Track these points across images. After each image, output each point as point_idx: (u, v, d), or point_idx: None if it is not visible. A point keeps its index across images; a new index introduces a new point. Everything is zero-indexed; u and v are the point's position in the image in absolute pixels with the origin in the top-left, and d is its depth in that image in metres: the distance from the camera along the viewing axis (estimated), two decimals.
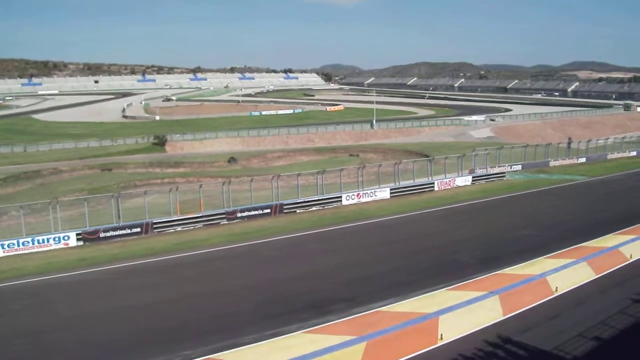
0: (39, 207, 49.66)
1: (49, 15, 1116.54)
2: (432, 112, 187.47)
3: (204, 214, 48.61)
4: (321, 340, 21.56)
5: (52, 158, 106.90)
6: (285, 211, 51.70)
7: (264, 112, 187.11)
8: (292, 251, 39.01)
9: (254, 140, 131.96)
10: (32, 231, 43.29)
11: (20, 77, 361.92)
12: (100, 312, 27.51)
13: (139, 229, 45.54)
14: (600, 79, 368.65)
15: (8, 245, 41.03)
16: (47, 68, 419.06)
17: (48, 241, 42.33)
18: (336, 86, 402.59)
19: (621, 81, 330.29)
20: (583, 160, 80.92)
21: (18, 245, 41.35)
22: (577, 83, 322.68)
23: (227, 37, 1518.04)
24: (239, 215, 49.59)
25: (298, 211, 52.32)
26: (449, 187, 62.28)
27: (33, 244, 41.81)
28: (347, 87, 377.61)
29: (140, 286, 32.11)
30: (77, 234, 43.41)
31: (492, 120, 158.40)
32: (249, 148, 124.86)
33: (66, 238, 42.92)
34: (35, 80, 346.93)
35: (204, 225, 47.84)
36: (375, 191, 57.32)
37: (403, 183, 60.29)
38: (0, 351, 23.33)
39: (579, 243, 33.66)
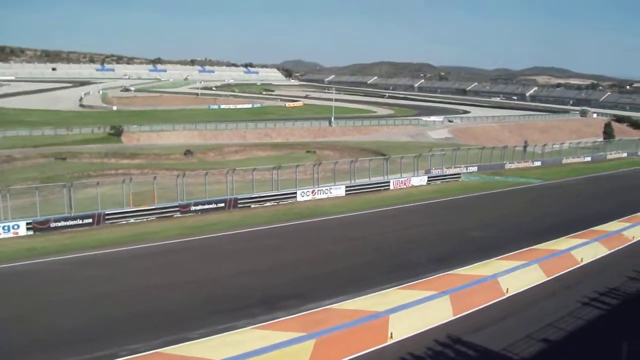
0: None
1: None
2: (391, 112, 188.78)
3: (157, 207, 48.19)
4: (270, 336, 21.28)
5: (5, 145, 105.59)
6: (239, 206, 51.44)
7: (222, 106, 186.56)
8: (244, 246, 38.72)
9: (211, 133, 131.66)
10: None
11: None
12: (47, 302, 26.93)
13: (90, 220, 44.98)
14: (559, 85, 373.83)
15: None
16: (4, 53, 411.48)
17: None
18: (297, 82, 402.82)
19: (579, 88, 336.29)
20: (538, 163, 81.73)
21: None
22: (536, 88, 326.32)
23: (188, 29, 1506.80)
24: (192, 208, 49.24)
25: (252, 206, 52.10)
26: (405, 186, 62.48)
27: None
28: (308, 84, 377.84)
29: (89, 278, 31.59)
30: (28, 223, 42.76)
31: (450, 121, 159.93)
32: (206, 141, 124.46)
33: (16, 227, 42.22)
34: None
35: (157, 217, 47.40)
36: (330, 188, 57.25)
37: (359, 181, 60.33)
38: None
39: (531, 245, 33.76)
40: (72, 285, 30.18)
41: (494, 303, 24.86)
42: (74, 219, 44.64)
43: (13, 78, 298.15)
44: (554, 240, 34.94)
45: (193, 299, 27.09)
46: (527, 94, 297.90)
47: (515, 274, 27.89)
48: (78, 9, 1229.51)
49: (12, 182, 70.81)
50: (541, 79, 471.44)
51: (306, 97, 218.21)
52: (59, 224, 43.92)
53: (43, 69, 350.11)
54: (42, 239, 41.11)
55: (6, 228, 41.92)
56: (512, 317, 23.56)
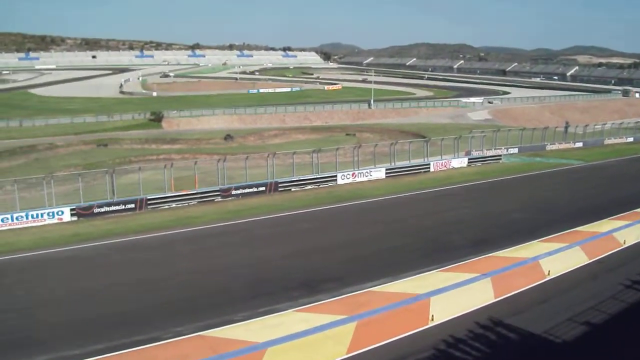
0: (34, 181, 49.49)
1: None
2: (430, 93, 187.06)
3: (198, 191, 48.51)
4: (312, 318, 21.50)
5: (47, 133, 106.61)
6: (280, 189, 51.59)
7: (261, 90, 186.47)
8: (285, 229, 38.95)
9: (250, 117, 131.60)
10: (27, 206, 43.13)
11: (18, 51, 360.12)
12: (93, 287, 27.41)
13: (133, 205, 45.43)
14: (600, 64, 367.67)
15: (2, 220, 40.86)
16: (45, 42, 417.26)
17: (42, 216, 42.18)
18: (335, 65, 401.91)
19: (621, 67, 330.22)
20: (580, 145, 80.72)
21: (12, 220, 41.20)
22: (577, 67, 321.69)
23: (226, 14, 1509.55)
24: (233, 192, 49.49)
25: (293, 189, 52.23)
26: (445, 168, 62.21)
27: (27, 218, 41.66)
28: (346, 67, 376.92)
29: (133, 262, 32.12)
30: (71, 209, 43.26)
31: (490, 102, 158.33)
32: (245, 126, 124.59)
33: (60, 213, 42.77)
34: (32, 54, 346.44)
35: (198, 202, 47.75)
36: (370, 171, 57.19)
37: (399, 163, 60.12)
38: None
39: (573, 227, 33.57)
40: (115, 269, 30.71)
41: (536, 285, 24.82)
42: (117, 204, 45.12)
43: (54, 67, 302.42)
44: (596, 222, 34.74)
45: (235, 282, 27.43)
46: (568, 74, 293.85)
47: (556, 256, 27.80)
48: None
49: (56, 169, 71.66)
50: (582, 59, 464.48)
51: (364, 81, 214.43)
52: (102, 210, 44.42)
53: (83, 57, 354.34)
54: (86, 225, 41.66)
55: (51, 214, 42.54)
56: (553, 299, 23.49)
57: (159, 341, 20.51)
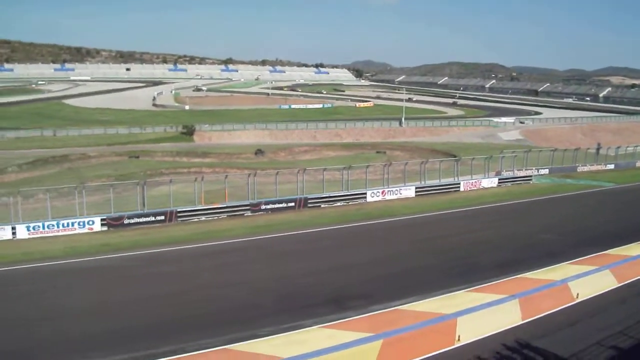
0: (66, 191, 50.21)
1: (84, 1, 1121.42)
2: (461, 113, 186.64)
3: (228, 205, 48.87)
4: (338, 335, 21.52)
5: (80, 143, 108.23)
6: (309, 205, 51.79)
7: (293, 106, 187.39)
8: (314, 246, 39.08)
9: (282, 133, 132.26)
10: (58, 214, 43.81)
11: (54, 62, 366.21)
12: (120, 298, 27.71)
13: (162, 217, 45.90)
14: (633, 85, 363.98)
15: (33, 228, 41.66)
16: (80, 54, 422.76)
17: (73, 225, 42.84)
18: (367, 82, 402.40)
19: None
20: (612, 166, 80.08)
21: (43, 228, 41.98)
22: (610, 88, 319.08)
23: (260, 29, 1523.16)
24: (263, 207, 49.77)
25: (322, 206, 52.40)
26: (475, 188, 62.06)
27: (58, 227, 42.37)
28: (378, 84, 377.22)
29: (161, 274, 32.36)
30: (102, 219, 43.90)
31: (521, 122, 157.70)
32: (276, 141, 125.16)
33: (91, 223, 43.41)
34: (68, 65, 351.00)
35: (227, 216, 48.09)
36: (400, 189, 57.23)
37: (429, 182, 60.12)
38: (22, 332, 23.56)
39: (603, 250, 33.27)
40: (143, 281, 31.04)
41: (564, 308, 24.66)
42: (147, 215, 45.63)
43: (89, 78, 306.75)
44: (626, 246, 34.39)
45: (261, 297, 27.54)
46: (601, 95, 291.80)
47: (586, 279, 27.58)
48: (152, 11, 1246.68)
49: (87, 179, 72.43)
50: (615, 79, 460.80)
51: (409, 100, 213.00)
52: (132, 221, 44.94)
53: (117, 69, 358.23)
54: (116, 235, 42.17)
55: (82, 223, 43.13)
56: (581, 322, 23.34)
57: (183, 353, 20.64)
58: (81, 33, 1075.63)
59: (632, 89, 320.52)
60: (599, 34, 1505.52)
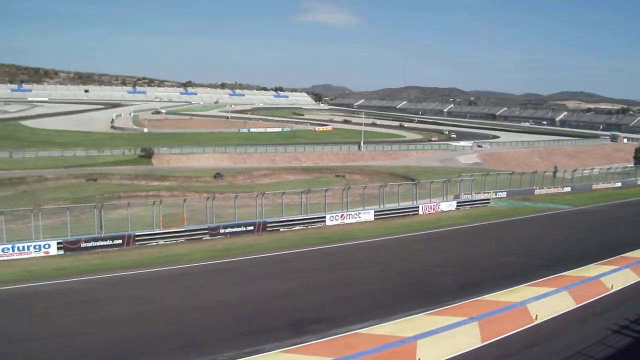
0: (21, 214, 49.45)
1: (41, 22, 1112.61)
2: (420, 136, 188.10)
3: (187, 229, 48.55)
4: None
5: (37, 165, 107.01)
6: (268, 229, 51.65)
7: (252, 130, 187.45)
8: (273, 269, 38.83)
9: (240, 157, 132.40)
10: (13, 238, 43.10)
11: (10, 82, 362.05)
12: (77, 322, 27.19)
13: (120, 241, 45.45)
14: (589, 110, 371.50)
15: None
16: (38, 75, 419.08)
17: (28, 249, 42.22)
18: (326, 106, 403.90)
19: (609, 112, 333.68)
20: (568, 189, 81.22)
21: None
22: (566, 112, 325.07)
23: (219, 52, 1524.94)
24: (221, 231, 49.51)
25: (281, 229, 52.29)
26: (434, 211, 62.38)
27: (13, 250, 41.68)
28: (337, 108, 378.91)
29: (119, 298, 31.86)
30: (58, 243, 43.29)
31: (479, 146, 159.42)
32: (235, 164, 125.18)
33: (47, 246, 42.78)
34: (25, 86, 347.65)
35: (186, 239, 47.77)
36: (359, 213, 57.32)
37: (388, 206, 60.34)
38: None
39: (561, 272, 33.54)
40: (100, 305, 30.43)
41: (523, 330, 24.71)
42: (104, 239, 45.11)
43: (46, 99, 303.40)
44: (583, 267, 34.70)
45: (221, 321, 27.26)
46: (557, 119, 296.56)
47: (544, 301, 27.72)
48: (110, 33, 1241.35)
49: (44, 202, 71.69)
50: (571, 104, 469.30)
51: (373, 124, 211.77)
52: (89, 244, 44.40)
53: (76, 91, 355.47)
54: (72, 259, 41.59)
55: (37, 247, 42.48)
56: (541, 344, 23.40)
57: None
58: (39, 54, 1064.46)
59: (588, 113, 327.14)
60: (555, 59, 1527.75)
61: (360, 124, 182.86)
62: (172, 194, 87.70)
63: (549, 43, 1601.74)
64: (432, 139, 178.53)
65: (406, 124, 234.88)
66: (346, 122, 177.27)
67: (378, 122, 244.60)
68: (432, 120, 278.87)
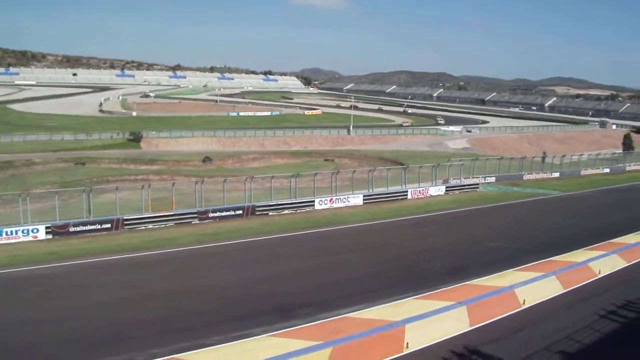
0: (9, 198, 49.32)
1: (29, 4, 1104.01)
2: (409, 121, 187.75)
3: (176, 213, 48.39)
4: (286, 344, 21.31)
5: (25, 149, 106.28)
6: (257, 213, 51.54)
7: (241, 113, 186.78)
8: (262, 253, 38.80)
9: (229, 140, 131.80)
10: (1, 222, 42.97)
11: None
12: (67, 307, 27.16)
13: (109, 225, 45.24)
14: (578, 96, 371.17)
15: None
16: (26, 58, 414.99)
17: (16, 233, 41.91)
18: (315, 90, 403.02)
19: (598, 98, 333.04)
20: (557, 175, 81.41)
21: None
22: (555, 98, 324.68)
23: (208, 36, 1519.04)
24: (210, 215, 49.37)
25: (270, 214, 52.19)
26: (423, 196, 62.39)
27: (1, 235, 41.43)
28: (327, 92, 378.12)
29: (107, 282, 31.78)
30: (47, 227, 43.04)
31: (468, 131, 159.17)
32: (224, 148, 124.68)
33: (35, 231, 42.52)
34: (12, 69, 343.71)
35: (175, 223, 47.60)
36: (348, 197, 57.27)
37: (377, 190, 60.32)
38: None
39: (549, 257, 33.64)
40: (89, 289, 30.41)
41: (511, 314, 24.79)
42: (93, 223, 44.92)
43: (34, 83, 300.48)
44: (571, 252, 34.81)
45: (210, 306, 27.23)
46: (546, 105, 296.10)
47: (532, 286, 27.80)
48: (99, 15, 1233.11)
49: (32, 186, 71.34)
50: (560, 90, 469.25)
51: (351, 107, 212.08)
52: (78, 229, 44.19)
53: (64, 74, 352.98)
54: (61, 243, 41.39)
55: (25, 231, 42.25)
56: (529, 328, 23.48)
57: None
58: (26, 36, 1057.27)
59: (577, 99, 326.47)
60: (545, 45, 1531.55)
61: (366, 109, 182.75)
62: (160, 177, 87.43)
63: (539, 29, 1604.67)
64: (404, 124, 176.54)
65: (410, 110, 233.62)
66: (354, 107, 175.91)
67: (384, 107, 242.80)
68: (421, 105, 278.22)
